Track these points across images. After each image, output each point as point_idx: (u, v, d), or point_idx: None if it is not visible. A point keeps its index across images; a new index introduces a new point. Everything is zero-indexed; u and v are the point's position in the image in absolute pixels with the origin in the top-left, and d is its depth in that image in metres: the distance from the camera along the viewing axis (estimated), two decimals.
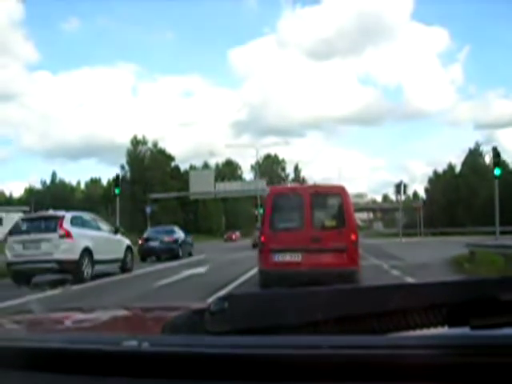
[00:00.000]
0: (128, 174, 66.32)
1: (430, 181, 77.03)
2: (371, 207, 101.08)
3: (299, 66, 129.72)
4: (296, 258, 7.69)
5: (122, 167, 67.35)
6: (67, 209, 14.02)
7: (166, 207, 64.46)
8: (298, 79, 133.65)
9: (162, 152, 73.65)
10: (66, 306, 5.22)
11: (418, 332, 0.73)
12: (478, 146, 73.11)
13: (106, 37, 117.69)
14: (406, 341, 0.72)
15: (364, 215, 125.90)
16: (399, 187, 41.53)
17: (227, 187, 54.99)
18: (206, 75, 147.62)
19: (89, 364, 0.80)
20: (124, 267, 13.31)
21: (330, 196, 8.36)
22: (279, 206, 8.11)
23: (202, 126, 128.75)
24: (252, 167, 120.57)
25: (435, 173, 76.61)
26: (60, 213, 11.46)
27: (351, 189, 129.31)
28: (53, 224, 10.65)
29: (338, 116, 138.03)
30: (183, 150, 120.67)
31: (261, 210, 44.67)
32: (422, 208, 61.95)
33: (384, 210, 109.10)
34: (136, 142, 68.65)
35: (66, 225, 10.89)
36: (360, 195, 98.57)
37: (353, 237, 7.76)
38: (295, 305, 0.81)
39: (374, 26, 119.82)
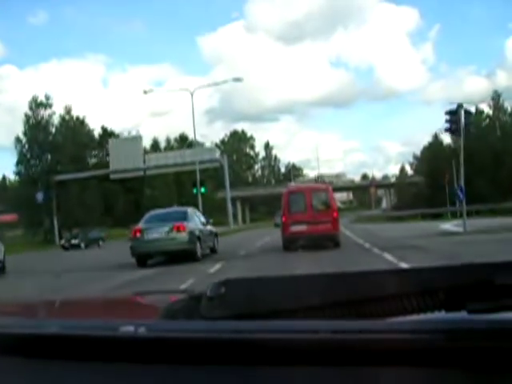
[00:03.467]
0: (26, 149, 46.18)
1: (430, 147, 60.58)
2: (366, 184, 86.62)
3: (269, 50, 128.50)
4: (303, 227, 13.49)
5: (18, 140, 46.31)
6: None
7: (92, 193, 47.18)
8: (268, 64, 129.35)
9: (80, 121, 54.42)
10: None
11: (415, 316, 0.72)
12: (497, 96, 56.75)
13: (73, 28, 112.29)
14: (403, 325, 0.71)
15: (343, 196, 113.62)
16: (455, 114, 17.03)
17: (161, 160, 37.58)
18: (177, 64, 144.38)
19: (86, 350, 0.78)
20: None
21: (320, 191, 14.77)
22: (292, 198, 14.16)
23: (174, 115, 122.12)
24: (216, 145, 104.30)
25: (436, 137, 60.17)
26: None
27: (329, 170, 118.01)
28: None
29: (311, 99, 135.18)
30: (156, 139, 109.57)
31: (203, 189, 28.21)
32: (448, 177, 44.12)
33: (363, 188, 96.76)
34: (36, 105, 46.67)
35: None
36: (338, 175, 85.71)
37: (335, 215, 13.81)
38: (292, 289, 0.81)
39: (343, 7, 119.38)
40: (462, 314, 0.70)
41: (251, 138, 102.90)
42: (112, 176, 39.30)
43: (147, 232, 12.42)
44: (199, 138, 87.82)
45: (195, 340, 0.74)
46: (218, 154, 39.11)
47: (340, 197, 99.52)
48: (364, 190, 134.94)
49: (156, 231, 12.38)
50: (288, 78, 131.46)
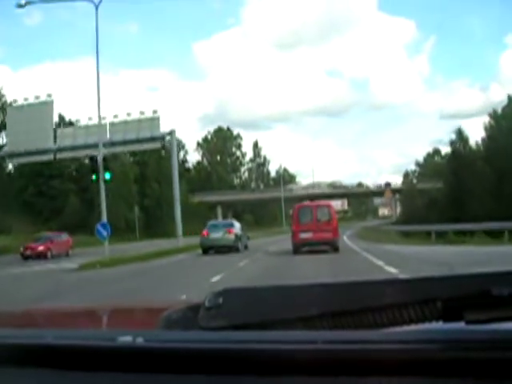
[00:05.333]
0: None
1: (452, 145, 48.13)
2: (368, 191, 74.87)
3: (265, 57, 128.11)
4: (309, 235, 16.40)
5: None
6: None
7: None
8: (263, 71, 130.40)
9: None
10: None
11: (413, 327, 0.72)
12: None
13: (68, 30, 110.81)
14: (401, 335, 0.70)
15: (337, 205, 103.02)
16: None
17: (79, 137, 24.72)
18: (172, 69, 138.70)
19: (83, 359, 0.78)
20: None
21: (324, 207, 18.10)
22: (300, 212, 17.54)
23: (168, 120, 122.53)
24: (198, 144, 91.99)
25: (459, 132, 47.78)
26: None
27: (324, 178, 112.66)
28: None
29: (305, 108, 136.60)
30: None
31: (107, 175, 19.74)
32: None
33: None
34: None
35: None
36: (333, 183, 75.08)
37: (334, 224, 16.83)
38: (290, 300, 0.80)
39: (340, 16, 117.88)
40: (460, 325, 0.70)
41: (238, 136, 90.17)
42: (9, 161, 26.60)
43: (211, 233, 20.36)
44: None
45: (193, 350, 0.73)
46: (166, 130, 26.05)
47: (334, 206, 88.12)
48: (361, 200, 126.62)
49: (216, 233, 20.26)
50: (283, 85, 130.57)
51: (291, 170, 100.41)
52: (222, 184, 79.58)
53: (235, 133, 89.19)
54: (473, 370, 0.64)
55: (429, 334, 0.69)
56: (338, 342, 0.69)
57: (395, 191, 70.54)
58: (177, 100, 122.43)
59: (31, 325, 1.28)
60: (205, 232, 20.73)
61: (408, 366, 0.65)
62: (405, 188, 58.04)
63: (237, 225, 21.98)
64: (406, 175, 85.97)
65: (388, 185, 38.36)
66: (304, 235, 16.44)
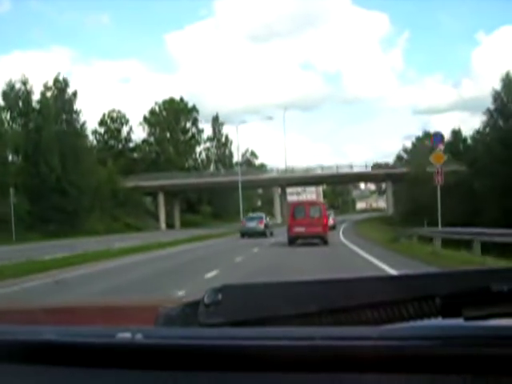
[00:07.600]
0: None
1: (498, 110, 31.32)
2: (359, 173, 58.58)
3: (238, 49, 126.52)
4: (302, 229, 19.52)
5: None
6: None
7: None
8: (236, 63, 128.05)
9: None
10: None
11: (412, 323, 0.72)
12: None
13: (38, 20, 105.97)
14: (400, 332, 0.70)
15: (313, 195, 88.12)
16: None
17: None
18: (144, 60, 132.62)
19: (82, 356, 0.78)
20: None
21: (316, 205, 22.09)
22: (296, 209, 20.87)
23: (139, 112, 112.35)
24: (145, 119, 74.01)
25: (509, 80, 31.16)
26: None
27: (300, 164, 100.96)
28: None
29: (278, 101, 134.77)
30: None
31: None
32: None
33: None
34: None
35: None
36: (308, 170, 59.59)
37: (325, 221, 20.06)
38: (289, 296, 0.80)
39: (314, 9, 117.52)
40: (459, 321, 0.70)
41: (194, 109, 72.38)
42: None
43: (247, 223, 29.82)
44: None
45: (192, 347, 0.74)
46: None
47: (309, 198, 72.91)
48: (338, 192, 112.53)
49: (251, 223, 29.61)
50: (256, 78, 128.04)
51: (263, 161, 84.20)
52: (171, 167, 61.80)
53: (190, 105, 71.61)
54: (472, 366, 0.63)
55: (427, 330, 0.69)
56: (336, 338, 0.69)
57: (389, 177, 55.13)
58: (148, 92, 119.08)
59: (30, 321, 1.27)
60: (243, 222, 31.04)
61: (406, 363, 0.65)
62: (411, 171, 40.53)
63: (266, 217, 31.78)
64: (400, 159, 70.52)
65: (439, 138, 20.46)
66: (298, 229, 19.69)
